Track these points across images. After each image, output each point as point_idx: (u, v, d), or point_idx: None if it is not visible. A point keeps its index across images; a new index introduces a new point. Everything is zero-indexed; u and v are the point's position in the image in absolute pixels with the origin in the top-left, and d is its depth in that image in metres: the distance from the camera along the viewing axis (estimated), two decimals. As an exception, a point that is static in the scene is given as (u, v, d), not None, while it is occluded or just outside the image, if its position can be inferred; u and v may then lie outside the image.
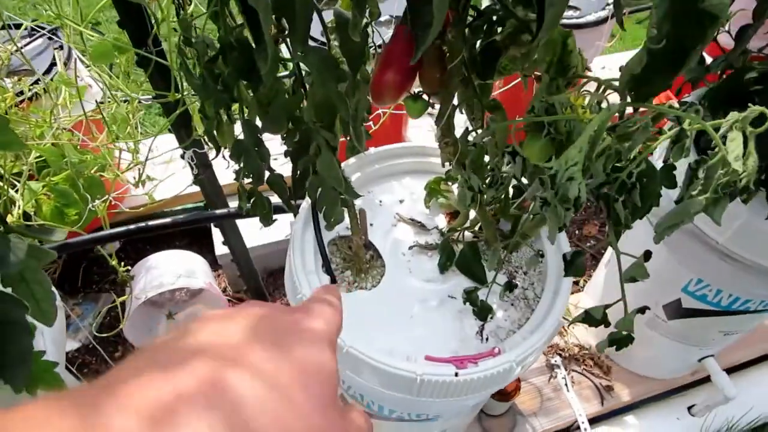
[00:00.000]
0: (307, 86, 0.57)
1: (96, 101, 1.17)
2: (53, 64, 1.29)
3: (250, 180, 0.65)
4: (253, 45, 0.54)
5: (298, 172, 0.61)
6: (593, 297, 1.34)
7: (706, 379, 1.30)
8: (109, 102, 1.07)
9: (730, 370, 1.27)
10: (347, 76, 0.54)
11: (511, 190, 0.70)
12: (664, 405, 1.28)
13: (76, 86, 0.94)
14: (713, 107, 0.79)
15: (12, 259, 0.42)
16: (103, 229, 1.09)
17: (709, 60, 0.77)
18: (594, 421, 1.24)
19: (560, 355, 1.32)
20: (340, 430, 0.25)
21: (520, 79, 0.60)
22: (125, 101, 1.14)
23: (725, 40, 0.72)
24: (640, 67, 0.34)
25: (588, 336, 1.37)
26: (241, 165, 0.63)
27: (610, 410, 1.26)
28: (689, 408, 1.26)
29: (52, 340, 0.69)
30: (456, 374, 0.59)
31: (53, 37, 1.36)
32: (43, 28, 1.36)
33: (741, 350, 1.36)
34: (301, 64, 0.58)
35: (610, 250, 1.30)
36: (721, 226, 0.62)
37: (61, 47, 1.32)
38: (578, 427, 1.20)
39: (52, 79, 1.13)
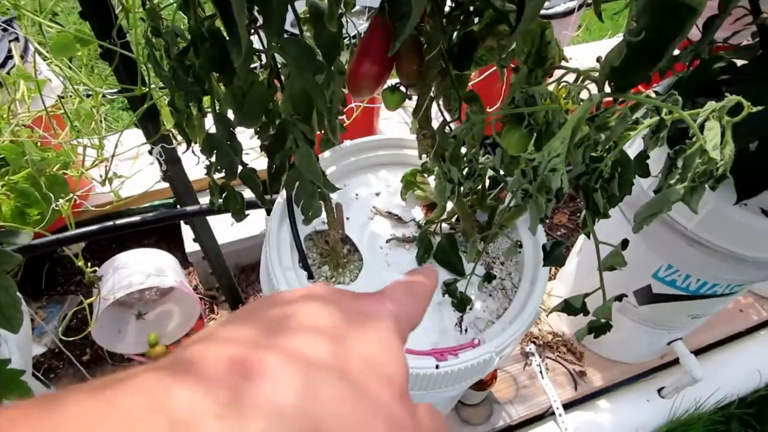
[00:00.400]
0: (283, 78, 0.56)
1: (57, 96, 1.13)
2: (9, 56, 1.24)
3: (222, 175, 0.64)
4: (226, 36, 0.52)
5: (274, 166, 0.60)
6: (566, 284, 1.36)
7: (675, 362, 1.33)
8: (71, 97, 1.04)
9: (697, 352, 1.31)
10: (324, 67, 0.53)
11: (487, 181, 0.70)
12: (635, 388, 1.32)
13: (35, 80, 0.90)
14: (682, 96, 0.80)
15: (-24, 263, 0.40)
16: (68, 228, 1.06)
17: (677, 51, 0.78)
18: (568, 406, 1.26)
19: (534, 342, 1.34)
20: (414, 422, 0.22)
21: (494, 69, 0.60)
22: (88, 95, 1.10)
23: (692, 30, 0.73)
24: (620, 59, 0.34)
25: (561, 323, 1.39)
26: (213, 160, 0.61)
27: (583, 395, 1.29)
28: (659, 390, 1.30)
29: (17, 347, 0.66)
30: (437, 366, 0.59)
31: (8, 27, 1.30)
32: (-3, 20, 1.30)
33: (706, 333, 1.40)
34: (276, 56, 0.56)
35: (581, 238, 1.32)
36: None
37: (17, 39, 1.27)
38: (553, 413, 1.22)
39: (8, 73, 1.09)
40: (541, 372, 1.26)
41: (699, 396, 1.28)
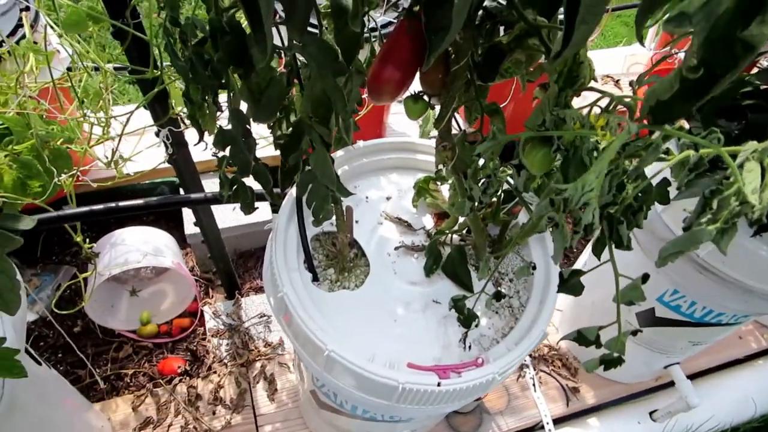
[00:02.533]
0: (303, 77, 0.54)
1: (65, 68, 1.11)
2: (19, 25, 1.21)
3: (233, 168, 0.62)
4: (247, 30, 0.50)
5: (288, 165, 0.58)
6: (563, 304, 1.35)
7: (669, 385, 1.32)
8: (80, 71, 1.01)
9: (692, 376, 1.30)
10: (346, 69, 0.51)
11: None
12: (627, 409, 1.31)
13: (45, 54, 0.88)
14: (705, 119, 0.79)
15: (-28, 251, 0.38)
16: (68, 202, 1.04)
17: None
18: (558, 421, 1.26)
19: (530, 355, 1.32)
20: None
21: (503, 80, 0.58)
22: (96, 69, 1.07)
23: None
24: (670, 93, 0.32)
25: (558, 337, 1.38)
26: (226, 154, 0.59)
27: (574, 411, 1.28)
28: (651, 413, 1.29)
29: (12, 326, 0.64)
30: (438, 384, 0.58)
31: (20, -3, 1.27)
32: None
33: (703, 357, 1.39)
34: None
35: (581, 258, 1.30)
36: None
37: (27, 8, 1.24)
38: (542, 427, 1.21)
39: (17, 43, 1.06)
40: (534, 385, 1.25)
41: (691, 422, 1.27)
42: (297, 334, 0.62)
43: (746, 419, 1.35)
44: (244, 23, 0.52)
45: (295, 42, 0.49)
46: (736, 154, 0.40)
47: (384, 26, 1.13)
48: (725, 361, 1.43)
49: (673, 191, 0.54)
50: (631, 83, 0.47)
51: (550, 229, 0.43)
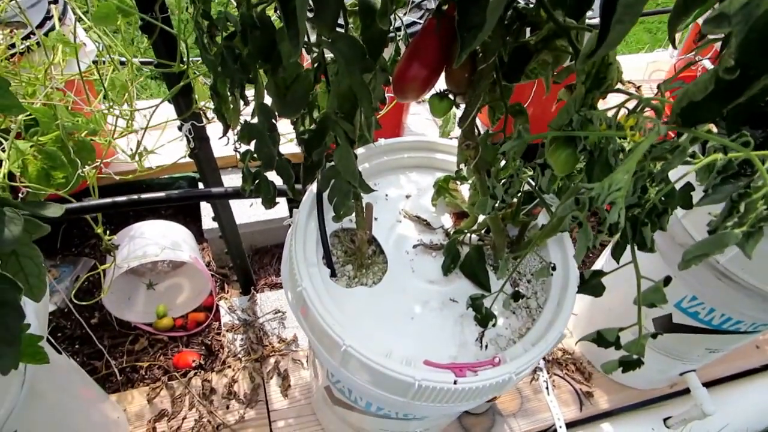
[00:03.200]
0: (329, 74, 0.54)
1: (91, 61, 1.12)
2: (47, 17, 1.23)
3: (256, 162, 0.63)
4: (277, 25, 0.51)
5: (311, 160, 0.58)
6: (578, 307, 1.34)
7: (684, 392, 1.31)
8: (106, 64, 1.03)
9: (707, 384, 1.28)
10: (373, 66, 0.51)
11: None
12: (641, 415, 1.30)
13: (74, 45, 0.89)
14: (730, 126, 0.78)
15: (7, 236, 0.39)
16: (91, 194, 1.05)
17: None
18: (571, 425, 1.25)
19: (544, 358, 1.32)
20: None
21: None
22: (122, 63, 1.09)
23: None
24: (704, 94, 0.32)
25: (572, 341, 1.37)
26: (251, 148, 0.60)
27: (587, 416, 1.27)
28: (665, 420, 1.28)
29: (35, 313, 0.66)
30: (455, 382, 0.58)
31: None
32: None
33: (719, 365, 1.38)
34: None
35: (598, 263, 1.30)
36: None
37: (56, 0, 1.26)
38: (555, 431, 1.21)
39: (46, 34, 1.08)
40: (547, 388, 1.25)
41: (706, 430, 1.25)
42: (314, 328, 0.62)
43: (762, 428, 1.34)
44: (274, 18, 0.53)
45: (324, 38, 0.49)
46: (765, 159, 0.40)
47: (408, 26, 1.14)
48: (742, 369, 1.41)
49: (695, 197, 0.54)
50: (658, 86, 0.47)
51: (575, 227, 0.43)
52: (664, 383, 1.30)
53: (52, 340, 0.95)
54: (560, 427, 1.20)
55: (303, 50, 0.61)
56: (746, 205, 0.40)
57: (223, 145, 0.80)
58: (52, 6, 1.23)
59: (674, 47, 0.44)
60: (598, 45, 0.32)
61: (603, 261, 1.29)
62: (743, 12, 0.28)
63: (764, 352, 1.46)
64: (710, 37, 0.81)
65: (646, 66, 2.02)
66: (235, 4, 0.53)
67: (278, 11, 0.46)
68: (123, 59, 1.02)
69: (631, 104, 0.45)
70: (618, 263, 0.51)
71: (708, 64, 1.39)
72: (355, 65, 0.49)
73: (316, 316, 0.60)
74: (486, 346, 0.65)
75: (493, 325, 0.64)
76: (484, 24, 0.35)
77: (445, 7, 0.52)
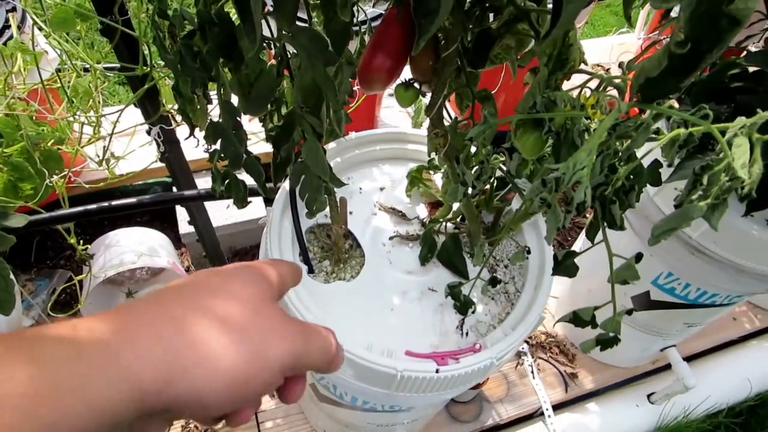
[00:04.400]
0: (293, 68, 0.54)
1: (54, 69, 1.10)
2: (6, 26, 1.20)
3: (225, 162, 0.62)
4: (236, 21, 0.50)
5: (280, 157, 0.58)
6: (559, 291, 1.35)
7: (665, 368, 1.33)
8: (68, 71, 1.01)
9: (688, 359, 1.31)
10: (336, 58, 0.51)
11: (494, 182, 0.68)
12: (625, 392, 1.31)
13: (32, 54, 0.87)
14: (695, 102, 0.79)
15: (-34, 249, 0.38)
16: (61, 204, 1.03)
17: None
18: (557, 407, 1.26)
19: (527, 342, 1.33)
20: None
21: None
22: (86, 70, 1.07)
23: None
24: (659, 70, 0.33)
25: (556, 325, 1.39)
26: (217, 147, 0.59)
27: (573, 397, 1.28)
28: (648, 396, 1.30)
29: (7, 326, 0.64)
30: (437, 371, 0.58)
31: (5, -3, 1.26)
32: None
33: (697, 340, 1.40)
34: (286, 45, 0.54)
35: (576, 245, 1.31)
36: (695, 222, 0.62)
37: (14, 9, 1.23)
38: (542, 414, 1.22)
39: (5, 44, 1.05)
40: (532, 372, 1.26)
41: (688, 403, 1.28)
42: (295, 325, 0.62)
43: (742, 398, 1.37)
44: (233, 15, 0.52)
45: (284, 32, 0.49)
46: (725, 131, 0.41)
47: (374, 18, 1.13)
48: (720, 342, 1.44)
49: (664, 174, 0.55)
50: (620, 65, 0.47)
51: (544, 210, 0.43)
52: (646, 360, 1.32)
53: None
54: (546, 409, 1.21)
55: (269, 46, 0.60)
56: (709, 177, 0.40)
57: (194, 147, 0.79)
58: (10, 15, 1.20)
59: (629, 25, 0.44)
60: (552, 25, 0.32)
61: (580, 243, 1.30)
62: (690, -15, 0.29)
63: (741, 324, 1.49)
64: (673, 15, 0.82)
65: (613, 48, 2.04)
66: (192, 1, 0.52)
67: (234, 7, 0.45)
68: (87, 65, 1.00)
69: (593, 84, 0.46)
70: (592, 243, 0.52)
71: (673, 44, 1.41)
72: (317, 58, 0.49)
73: (296, 314, 0.59)
74: (467, 333, 0.65)
75: (473, 312, 0.65)
76: (439, 9, 0.35)
77: (406, -4, 0.52)
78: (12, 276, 0.51)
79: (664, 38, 1.35)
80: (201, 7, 0.48)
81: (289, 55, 0.54)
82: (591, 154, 0.36)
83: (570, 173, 0.36)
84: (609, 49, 2.05)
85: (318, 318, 0.60)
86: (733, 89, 0.80)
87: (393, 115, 1.83)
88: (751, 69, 0.80)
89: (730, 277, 0.90)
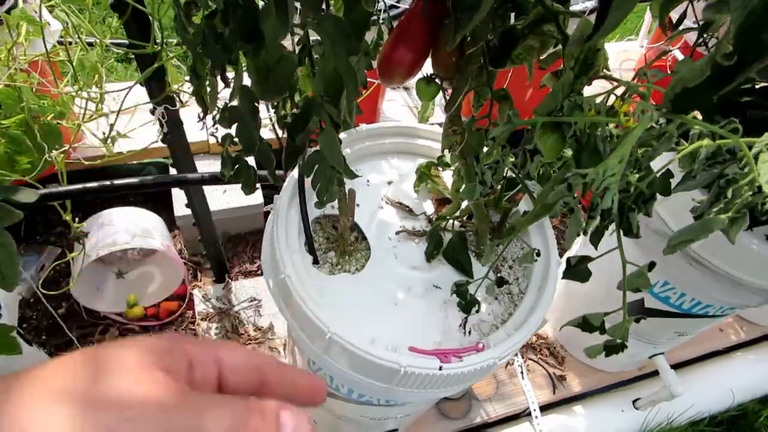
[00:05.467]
0: (315, 56, 0.53)
1: (56, 41, 1.08)
2: (8, -6, 1.17)
3: (235, 147, 0.61)
4: (260, 3, 0.49)
5: (294, 145, 0.57)
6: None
7: (652, 374, 1.35)
8: (74, 45, 0.99)
9: (675, 366, 1.32)
10: (359, 49, 0.50)
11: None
12: (611, 397, 1.33)
13: (38, 24, 0.85)
14: (706, 115, 0.80)
15: (-22, 222, 0.37)
16: (57, 180, 1.02)
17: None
18: (545, 408, 1.27)
19: (518, 342, 1.34)
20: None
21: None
22: (90, 44, 1.05)
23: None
24: (700, 80, 0.33)
25: (546, 327, 1.39)
26: (231, 131, 0.59)
27: (560, 399, 1.30)
28: (634, 401, 1.31)
29: (5, 304, 0.63)
30: (440, 368, 0.58)
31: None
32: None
33: (684, 348, 1.42)
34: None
35: (572, 250, 1.32)
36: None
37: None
38: (529, 414, 1.23)
39: (8, 12, 1.03)
40: (522, 372, 1.27)
41: (672, 410, 1.29)
42: (298, 317, 0.61)
43: (724, 408, 1.39)
44: (256, -2, 0.51)
45: (309, 19, 0.48)
46: (751, 145, 0.41)
47: (389, 8, 1.12)
48: (706, 352, 1.46)
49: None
50: (638, 73, 0.47)
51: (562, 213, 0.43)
52: (634, 366, 1.33)
53: (21, 332, 0.92)
54: (534, 410, 1.22)
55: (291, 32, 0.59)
56: (734, 191, 0.40)
57: (197, 130, 0.78)
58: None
59: (664, 32, 0.44)
60: (596, 29, 0.32)
61: (577, 247, 1.31)
62: (742, -2, 0.29)
63: (727, 335, 1.51)
64: (681, 27, 0.82)
65: (617, 55, 2.05)
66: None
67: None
68: (90, 40, 0.98)
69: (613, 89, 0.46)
70: (596, 249, 0.52)
71: (679, 55, 1.41)
72: (341, 47, 0.48)
73: (300, 304, 0.59)
74: (470, 332, 0.65)
75: (477, 311, 0.65)
76: (480, 5, 0.34)
77: (432, -10, 0.51)
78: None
79: (671, 48, 1.35)
80: (226, -12, 0.47)
81: (311, 43, 0.53)
82: (623, 161, 0.36)
83: (600, 179, 0.36)
84: (611, 56, 2.05)
85: (322, 309, 0.59)
86: (742, 104, 0.81)
87: (395, 108, 1.82)
88: (761, 84, 0.81)
89: (726, 290, 0.91)
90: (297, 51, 0.54)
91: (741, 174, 0.40)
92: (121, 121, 1.20)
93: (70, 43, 1.00)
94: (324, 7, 0.55)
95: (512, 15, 0.53)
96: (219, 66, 0.53)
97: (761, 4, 0.28)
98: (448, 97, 0.59)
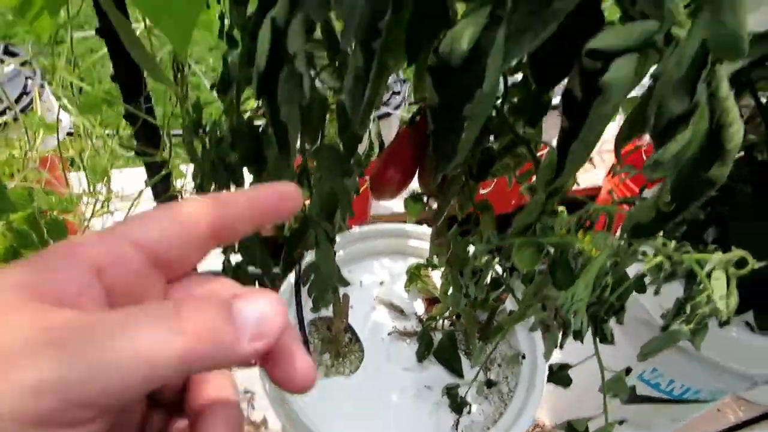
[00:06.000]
0: (312, 179, 0.58)
1: (65, 134, 1.13)
2: (24, 92, 1.25)
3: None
4: (262, 132, 0.55)
5: (292, 255, 0.61)
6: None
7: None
8: (82, 139, 1.04)
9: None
10: (353, 171, 0.55)
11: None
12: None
13: (54, 125, 0.91)
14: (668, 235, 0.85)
15: None
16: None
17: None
18: (543, 500, 1.25)
19: None
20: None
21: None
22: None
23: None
24: (648, 218, 0.37)
25: (543, 414, 1.39)
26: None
27: (559, 489, 1.27)
28: (630, 490, 1.29)
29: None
30: (432, 472, 0.59)
31: (25, 62, 1.30)
32: (16, 53, 1.31)
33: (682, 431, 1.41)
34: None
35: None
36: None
37: (32, 76, 1.28)
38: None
39: (23, 111, 1.09)
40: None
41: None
42: (294, 422, 0.63)
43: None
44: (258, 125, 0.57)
45: (307, 147, 0.54)
46: (704, 263, 0.45)
47: (380, 117, 1.20)
48: (705, 435, 1.44)
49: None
50: (613, 200, 0.52)
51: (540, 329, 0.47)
52: (632, 454, 1.32)
53: None
54: (533, 502, 1.20)
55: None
56: (691, 306, 0.44)
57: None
58: (29, 80, 1.24)
59: (619, 163, 0.50)
60: (557, 175, 0.37)
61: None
62: (673, 160, 0.34)
63: (725, 415, 1.50)
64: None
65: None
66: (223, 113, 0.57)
67: (270, 126, 0.50)
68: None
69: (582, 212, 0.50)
70: (600, 365, 0.55)
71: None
72: (336, 171, 0.53)
73: (296, 410, 0.61)
74: (461, 433, 0.67)
75: (468, 413, 0.67)
76: (456, 156, 0.39)
77: (417, 119, 0.57)
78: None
79: (643, 146, 1.43)
80: (234, 122, 0.53)
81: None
82: (588, 287, 0.40)
83: (568, 304, 0.40)
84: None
85: (318, 414, 0.61)
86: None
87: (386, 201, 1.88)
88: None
89: (713, 376, 0.93)
90: (297, 174, 0.59)
91: (697, 290, 0.44)
92: (123, 212, 1.24)
93: (79, 137, 1.06)
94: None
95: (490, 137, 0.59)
96: (224, 186, 0.58)
97: (688, 165, 0.34)
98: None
